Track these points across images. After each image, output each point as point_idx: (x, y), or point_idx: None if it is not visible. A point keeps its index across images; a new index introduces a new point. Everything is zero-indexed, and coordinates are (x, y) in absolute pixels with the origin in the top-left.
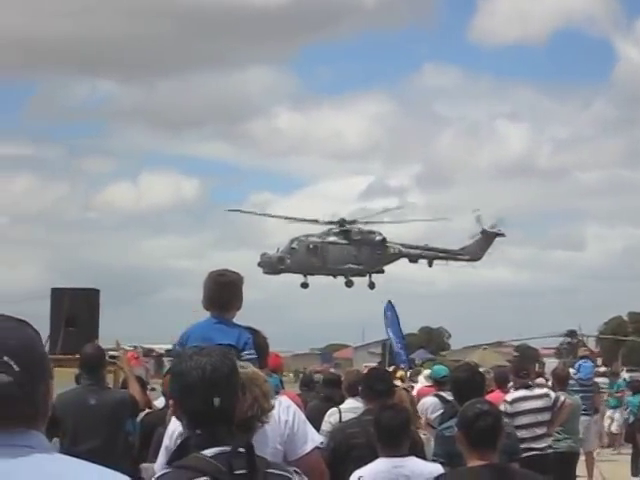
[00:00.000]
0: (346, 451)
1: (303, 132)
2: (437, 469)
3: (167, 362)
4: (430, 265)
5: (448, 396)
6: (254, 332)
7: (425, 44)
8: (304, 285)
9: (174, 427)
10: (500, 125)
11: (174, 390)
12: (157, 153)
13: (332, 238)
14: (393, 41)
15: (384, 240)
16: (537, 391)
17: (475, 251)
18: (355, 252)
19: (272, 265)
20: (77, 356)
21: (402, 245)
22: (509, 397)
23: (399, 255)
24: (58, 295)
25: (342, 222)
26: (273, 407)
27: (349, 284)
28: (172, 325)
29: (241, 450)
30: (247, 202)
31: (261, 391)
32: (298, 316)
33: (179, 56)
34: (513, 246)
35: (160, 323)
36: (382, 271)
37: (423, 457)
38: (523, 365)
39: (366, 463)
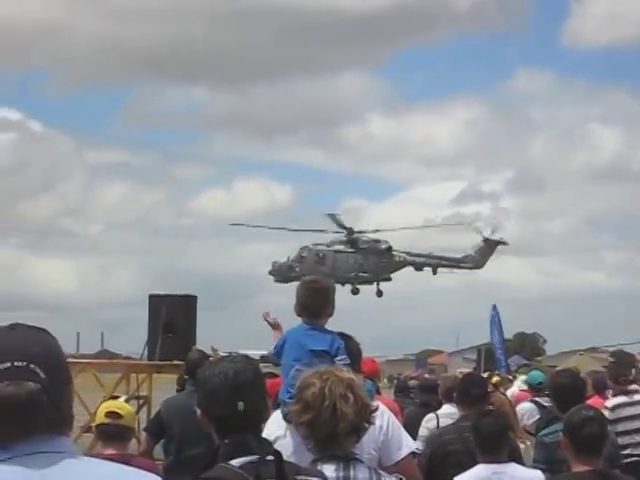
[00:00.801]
0: (442, 457)
1: (396, 138)
2: (538, 475)
3: (262, 368)
4: (434, 273)
5: (545, 402)
6: (347, 338)
7: (518, 48)
8: None
9: (268, 433)
10: (593, 129)
11: (200, 398)
12: (250, 160)
13: (339, 247)
14: (486, 45)
15: (389, 248)
16: (636, 397)
17: (477, 259)
18: (362, 260)
19: (282, 273)
20: (175, 362)
21: (407, 253)
22: (609, 403)
23: (404, 263)
24: (156, 302)
25: (350, 231)
26: (377, 408)
27: (355, 292)
28: (266, 331)
29: (269, 458)
30: (339, 208)
31: (364, 393)
32: (392, 321)
33: (272, 62)
34: (607, 250)
35: (253, 329)
36: (389, 279)
37: (521, 463)
38: (622, 371)
39: (464, 469)
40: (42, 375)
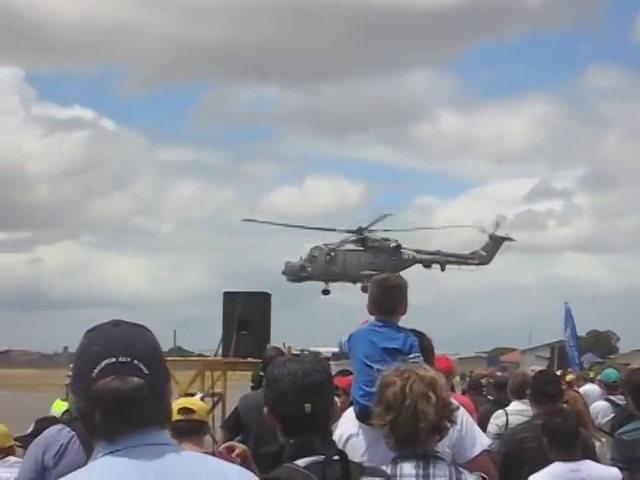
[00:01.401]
0: (517, 456)
1: (467, 134)
2: (614, 473)
3: (333, 366)
4: (443, 269)
5: (619, 400)
6: (419, 335)
7: (590, 44)
8: (325, 292)
9: (341, 432)
10: None
11: (267, 397)
12: (322, 157)
13: (350, 246)
14: (557, 42)
15: (398, 247)
16: None
17: (483, 255)
18: (371, 259)
19: (295, 273)
20: (249, 359)
21: (416, 251)
22: None
23: (413, 261)
24: (230, 299)
25: (360, 230)
26: (458, 407)
27: (365, 290)
28: (336, 328)
29: (335, 458)
30: (411, 206)
31: (446, 392)
32: (464, 319)
33: (342, 59)
34: None
35: (325, 326)
36: None
37: (596, 460)
38: None
39: (539, 467)
40: (145, 371)
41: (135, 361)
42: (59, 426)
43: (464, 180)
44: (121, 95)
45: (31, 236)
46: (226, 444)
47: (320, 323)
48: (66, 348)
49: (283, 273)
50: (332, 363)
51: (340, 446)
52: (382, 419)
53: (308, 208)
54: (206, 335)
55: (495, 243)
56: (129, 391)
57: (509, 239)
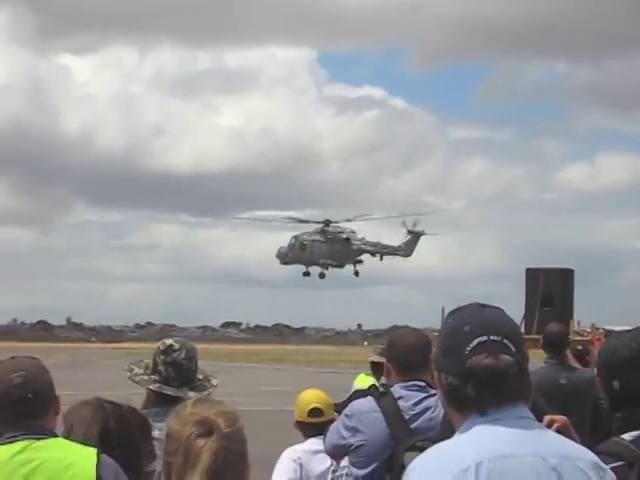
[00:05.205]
0: None
1: None
2: None
3: None
4: (381, 259)
5: None
6: None
7: None
8: (305, 274)
9: None
10: None
11: (599, 366)
12: (613, 133)
13: (316, 236)
14: None
15: (349, 239)
16: None
17: (406, 248)
18: (330, 248)
19: (282, 257)
20: None
21: (362, 242)
22: None
23: (360, 251)
24: (533, 275)
25: (327, 222)
26: None
27: (322, 276)
28: (635, 306)
29: None
30: None
31: None
32: None
33: (631, 34)
34: None
35: (620, 303)
36: (361, 261)
37: None
38: None
39: None
40: (513, 349)
41: (505, 340)
42: (368, 398)
43: None
44: (410, 74)
45: (321, 214)
46: (546, 418)
47: (615, 300)
48: (360, 325)
49: (276, 256)
50: None
51: None
52: None
53: (600, 184)
54: (516, 312)
55: (414, 238)
56: (502, 368)
57: (424, 234)
